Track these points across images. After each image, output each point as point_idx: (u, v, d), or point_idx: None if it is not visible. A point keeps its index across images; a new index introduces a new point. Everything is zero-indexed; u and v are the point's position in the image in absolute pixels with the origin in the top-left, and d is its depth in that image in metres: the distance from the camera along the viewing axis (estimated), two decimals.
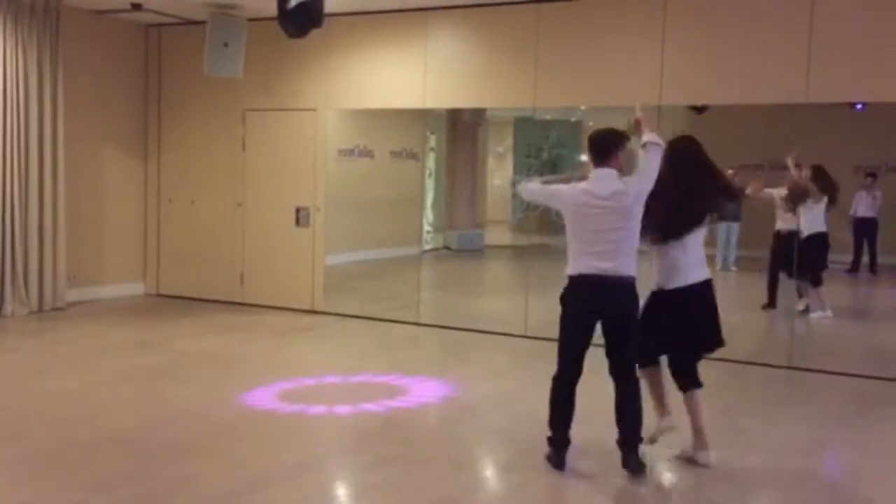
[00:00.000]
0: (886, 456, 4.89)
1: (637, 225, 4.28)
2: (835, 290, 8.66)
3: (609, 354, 4.36)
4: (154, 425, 5.04)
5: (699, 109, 7.81)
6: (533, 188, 4.62)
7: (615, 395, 4.36)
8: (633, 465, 4.29)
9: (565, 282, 4.38)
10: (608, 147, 4.38)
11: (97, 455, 4.50)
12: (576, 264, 4.32)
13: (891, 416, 5.74)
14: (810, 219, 8.26)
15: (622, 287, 4.27)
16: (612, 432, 4.36)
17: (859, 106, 7.54)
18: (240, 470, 4.34)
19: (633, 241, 4.29)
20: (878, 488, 4.35)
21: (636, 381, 4.37)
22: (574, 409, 4.38)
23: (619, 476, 4.30)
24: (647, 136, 4.34)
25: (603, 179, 4.30)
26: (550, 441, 4.42)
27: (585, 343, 4.35)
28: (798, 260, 8.00)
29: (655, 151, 4.31)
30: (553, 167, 11.19)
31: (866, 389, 6.32)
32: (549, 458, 4.40)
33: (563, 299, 4.38)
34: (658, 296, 4.52)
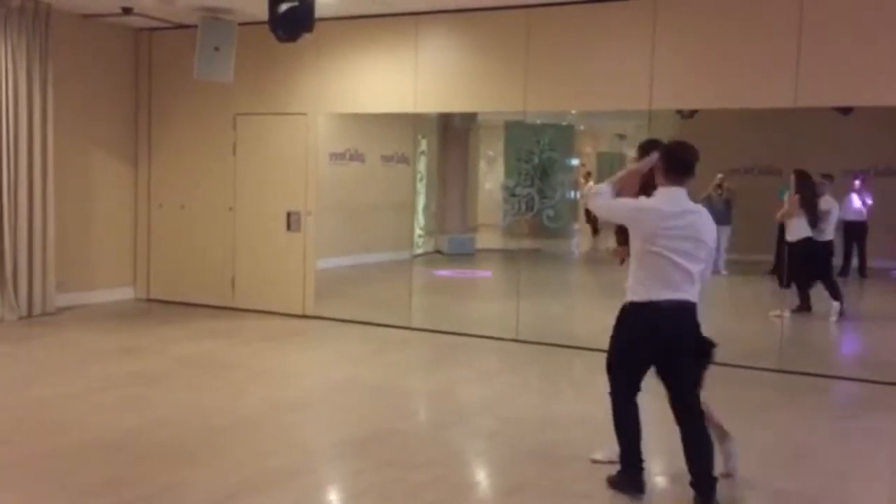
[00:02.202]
0: (872, 458, 4.91)
1: None
2: (824, 293, 8.69)
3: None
4: (143, 431, 5.02)
5: (687, 114, 7.84)
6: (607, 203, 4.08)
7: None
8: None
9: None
10: (693, 164, 4.03)
11: (85, 461, 4.48)
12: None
13: (879, 419, 5.76)
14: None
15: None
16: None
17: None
18: (228, 475, 4.32)
19: None
20: (865, 491, 4.37)
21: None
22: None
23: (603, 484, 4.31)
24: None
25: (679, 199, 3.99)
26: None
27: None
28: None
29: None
30: (544, 171, 11.21)
31: (854, 392, 6.34)
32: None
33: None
34: None
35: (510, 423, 5.30)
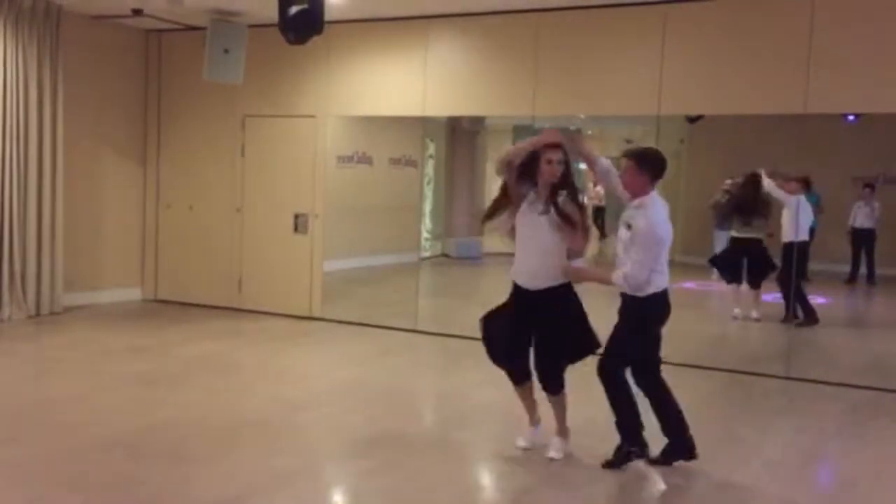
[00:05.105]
0: (882, 466, 4.89)
1: None
2: (833, 300, 8.67)
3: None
4: (149, 431, 5.03)
5: (693, 118, 7.83)
6: None
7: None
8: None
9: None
10: None
11: (94, 460, 4.48)
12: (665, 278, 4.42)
13: (887, 427, 5.74)
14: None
15: None
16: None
17: (851, 118, 7.54)
18: (237, 476, 4.33)
19: None
20: (875, 501, 4.35)
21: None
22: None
23: (615, 482, 4.30)
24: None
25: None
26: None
27: None
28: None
29: None
30: None
31: (863, 400, 6.32)
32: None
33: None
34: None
35: (516, 426, 5.28)
